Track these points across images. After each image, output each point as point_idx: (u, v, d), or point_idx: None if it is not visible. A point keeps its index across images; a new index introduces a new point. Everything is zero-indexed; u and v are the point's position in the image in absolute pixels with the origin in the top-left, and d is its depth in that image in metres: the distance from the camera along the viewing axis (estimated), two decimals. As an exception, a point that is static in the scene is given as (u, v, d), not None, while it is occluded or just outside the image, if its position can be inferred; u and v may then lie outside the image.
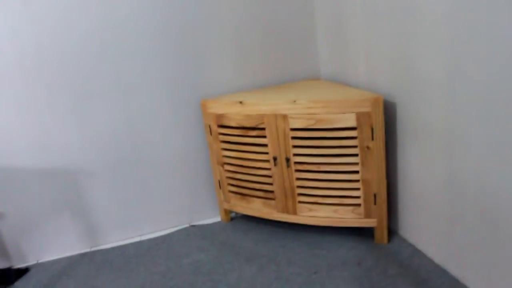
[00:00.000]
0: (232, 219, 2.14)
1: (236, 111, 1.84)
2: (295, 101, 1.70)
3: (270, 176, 1.86)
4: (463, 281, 1.46)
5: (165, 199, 2.09)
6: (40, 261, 2.00)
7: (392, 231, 1.84)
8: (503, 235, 1.22)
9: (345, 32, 1.88)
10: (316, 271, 1.66)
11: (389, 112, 1.70)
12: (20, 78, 1.78)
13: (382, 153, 1.65)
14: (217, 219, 2.16)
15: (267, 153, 1.83)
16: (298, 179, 1.80)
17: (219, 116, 1.90)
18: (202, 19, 1.93)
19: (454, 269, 1.50)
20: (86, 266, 1.91)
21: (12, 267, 1.93)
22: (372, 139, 1.63)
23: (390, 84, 1.65)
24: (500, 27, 1.07)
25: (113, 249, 2.03)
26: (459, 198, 1.39)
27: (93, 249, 2.04)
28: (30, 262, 1.99)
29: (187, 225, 2.14)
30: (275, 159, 1.81)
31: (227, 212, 2.13)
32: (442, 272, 1.53)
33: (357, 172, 1.70)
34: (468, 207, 1.35)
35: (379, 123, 1.61)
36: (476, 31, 1.16)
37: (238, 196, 2.01)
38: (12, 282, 1.83)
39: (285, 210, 1.88)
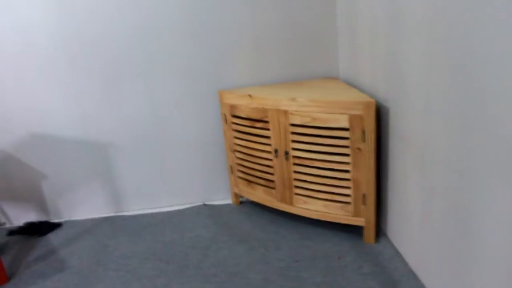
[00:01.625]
0: (241, 202, 2.30)
1: (246, 103, 1.98)
2: (294, 98, 1.80)
3: (271, 167, 1.99)
4: (427, 286, 1.49)
5: (183, 178, 2.30)
6: (72, 218, 2.32)
7: (382, 232, 1.88)
8: (467, 250, 1.25)
9: (356, 38, 1.93)
10: (298, 260, 1.77)
11: (383, 117, 1.74)
12: (65, 62, 2.07)
13: (372, 155, 1.70)
14: (229, 201, 2.33)
15: (270, 144, 1.95)
16: (295, 172, 1.90)
17: (232, 107, 2.06)
18: (227, 15, 2.08)
19: (423, 276, 1.53)
20: (106, 228, 2.19)
21: (48, 221, 2.27)
22: (364, 141, 1.69)
23: (385, 89, 1.68)
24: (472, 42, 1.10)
25: (132, 216, 2.29)
26: (428, 208, 1.42)
27: (116, 214, 2.32)
28: (64, 218, 2.31)
29: (200, 204, 2.33)
30: (276, 151, 1.93)
31: (237, 195, 2.29)
32: (412, 277, 1.57)
33: (348, 171, 1.77)
34: (435, 217, 1.38)
35: (370, 126, 1.67)
36: (450, 48, 1.19)
37: (245, 182, 2.15)
38: (45, 233, 2.16)
39: (283, 200, 2.00)
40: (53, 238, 2.14)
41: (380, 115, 1.77)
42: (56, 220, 2.30)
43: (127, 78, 2.12)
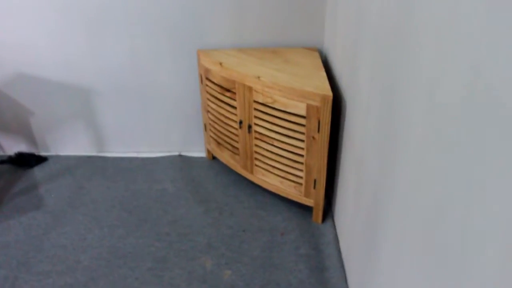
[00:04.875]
0: (214, 158, 2.39)
1: (217, 70, 1.97)
2: (259, 77, 1.78)
3: (237, 135, 2.03)
4: (348, 280, 1.60)
5: (162, 127, 2.39)
6: (59, 153, 2.49)
7: (330, 214, 1.96)
8: (374, 255, 1.32)
9: (337, 12, 1.82)
10: (245, 230, 1.90)
11: (342, 108, 1.72)
12: (49, 9, 2.08)
13: (325, 146, 1.72)
14: (203, 154, 2.43)
15: (236, 114, 1.98)
16: (256, 145, 1.95)
17: (207, 70, 2.05)
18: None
19: (348, 268, 1.63)
20: (87, 168, 2.36)
21: (35, 154, 2.45)
22: (318, 131, 1.70)
23: (347, 81, 1.64)
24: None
25: (112, 158, 2.44)
26: (357, 204, 1.47)
27: (98, 154, 2.47)
28: (51, 152, 2.49)
29: (177, 154, 2.44)
30: (240, 122, 1.96)
31: (209, 151, 2.37)
32: (340, 268, 1.67)
33: (302, 155, 1.80)
34: (359, 215, 1.44)
35: (325, 118, 1.66)
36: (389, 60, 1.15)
37: (216, 142, 2.22)
38: (32, 166, 2.35)
39: (245, 168, 2.07)
40: (38, 172, 2.33)
41: (340, 106, 1.74)
42: (44, 153, 2.48)
43: (109, 29, 2.12)
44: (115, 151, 2.47)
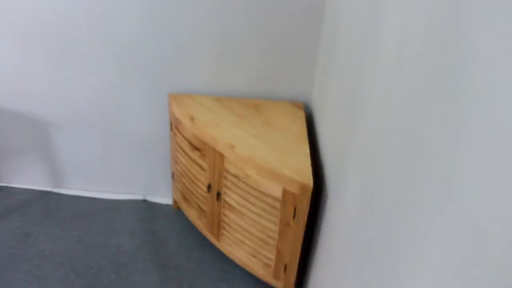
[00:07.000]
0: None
1: (188, 125, 1.73)
2: (232, 146, 1.55)
3: (205, 198, 1.81)
4: None
5: (127, 167, 2.14)
6: (10, 185, 2.24)
7: (301, 297, 1.77)
8: None
9: (329, 75, 1.58)
10: (204, 310, 1.70)
11: (322, 199, 1.50)
12: (6, 33, 1.82)
13: (300, 234, 1.50)
14: (169, 201, 2.20)
15: (204, 177, 1.75)
16: (224, 215, 1.73)
17: (177, 120, 1.81)
18: (189, 10, 1.72)
19: None
20: (39, 208, 2.11)
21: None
22: (293, 218, 1.48)
23: (332, 169, 1.42)
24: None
25: (69, 197, 2.19)
26: None
27: (55, 189, 2.23)
28: (3, 183, 2.24)
29: (141, 198, 2.21)
30: (209, 186, 1.73)
31: (176, 201, 2.15)
32: None
33: (273, 238, 1.59)
34: None
35: (303, 208, 1.44)
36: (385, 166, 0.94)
37: (183, 196, 2.00)
38: (-23, 200, 2.11)
39: (212, 233, 1.86)
40: (-17, 207, 2.09)
41: (320, 195, 1.53)
42: (-6, 183, 2.24)
43: (73, 62, 1.86)
44: (73, 188, 2.23)
